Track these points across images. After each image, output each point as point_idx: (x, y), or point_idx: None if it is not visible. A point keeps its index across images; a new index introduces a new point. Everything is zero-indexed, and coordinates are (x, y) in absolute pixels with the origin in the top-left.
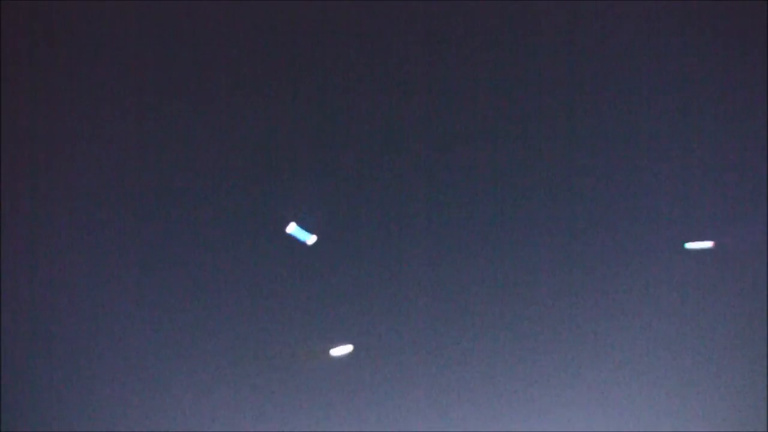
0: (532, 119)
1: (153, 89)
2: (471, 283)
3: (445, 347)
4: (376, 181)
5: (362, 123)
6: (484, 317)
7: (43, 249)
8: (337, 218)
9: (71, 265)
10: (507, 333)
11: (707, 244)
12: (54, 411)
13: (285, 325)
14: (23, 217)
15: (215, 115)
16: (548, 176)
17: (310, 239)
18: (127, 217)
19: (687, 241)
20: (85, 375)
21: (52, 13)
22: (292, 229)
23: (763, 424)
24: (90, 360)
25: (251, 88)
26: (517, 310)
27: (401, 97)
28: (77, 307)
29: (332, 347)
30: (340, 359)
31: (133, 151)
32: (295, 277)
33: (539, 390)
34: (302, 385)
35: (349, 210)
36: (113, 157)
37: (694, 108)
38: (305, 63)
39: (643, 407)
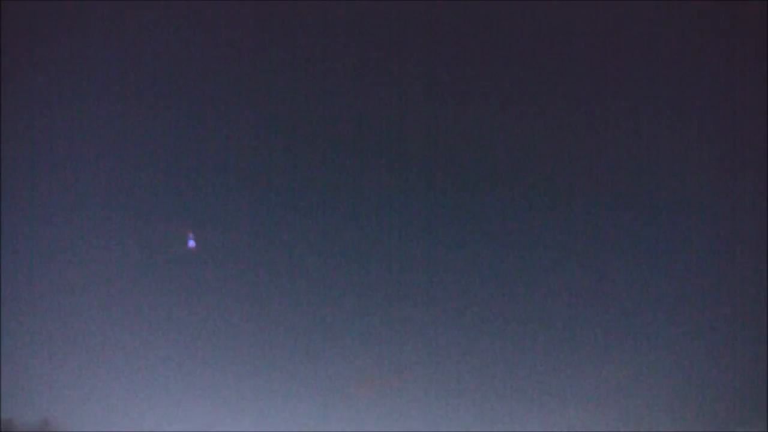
0: (531, 119)
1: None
2: (470, 283)
3: (444, 348)
4: (375, 181)
5: (362, 123)
6: (484, 317)
7: (43, 249)
8: (337, 218)
9: (71, 264)
10: (506, 333)
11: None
12: (54, 410)
13: (285, 326)
14: (23, 217)
15: (214, 117)
16: (548, 177)
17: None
18: (128, 217)
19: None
20: (86, 375)
21: (52, 13)
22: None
23: (764, 424)
24: (90, 359)
25: (249, 88)
26: (516, 310)
27: (401, 97)
28: (77, 307)
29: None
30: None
31: (133, 152)
32: (295, 277)
33: (539, 390)
34: (302, 384)
35: (349, 210)
36: (112, 158)
37: (694, 108)
38: (303, 63)
39: (643, 407)
